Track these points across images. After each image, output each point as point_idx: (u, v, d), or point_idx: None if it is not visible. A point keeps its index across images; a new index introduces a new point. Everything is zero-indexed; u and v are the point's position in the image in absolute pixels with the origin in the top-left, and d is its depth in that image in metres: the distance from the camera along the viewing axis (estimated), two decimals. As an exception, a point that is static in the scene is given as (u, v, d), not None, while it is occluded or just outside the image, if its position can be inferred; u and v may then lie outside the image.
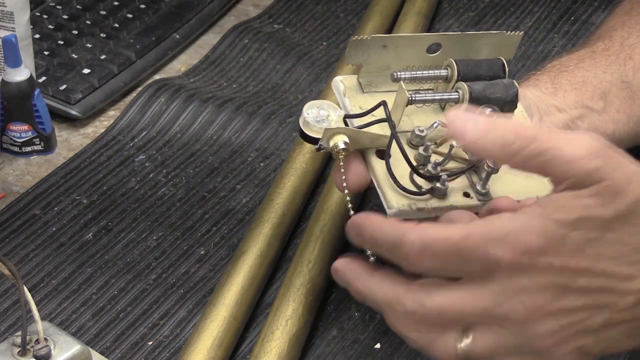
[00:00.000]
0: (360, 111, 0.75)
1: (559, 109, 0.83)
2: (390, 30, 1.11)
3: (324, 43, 1.13)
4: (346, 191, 0.72)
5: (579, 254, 0.63)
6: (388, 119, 0.72)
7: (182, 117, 0.99)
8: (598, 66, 0.88)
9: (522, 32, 0.77)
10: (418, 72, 0.75)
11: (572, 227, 0.62)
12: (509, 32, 0.77)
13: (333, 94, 1.00)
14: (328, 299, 0.81)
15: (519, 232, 0.62)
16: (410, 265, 0.64)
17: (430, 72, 0.75)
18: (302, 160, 0.89)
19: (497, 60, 0.77)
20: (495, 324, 0.64)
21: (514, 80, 0.76)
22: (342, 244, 0.84)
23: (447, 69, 0.76)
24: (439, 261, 0.63)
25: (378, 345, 0.77)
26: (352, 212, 0.71)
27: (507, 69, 0.76)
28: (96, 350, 0.75)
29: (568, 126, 0.83)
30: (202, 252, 0.85)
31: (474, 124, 0.65)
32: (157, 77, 1.07)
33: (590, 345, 0.64)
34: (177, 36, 1.11)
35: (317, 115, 0.73)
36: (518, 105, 0.77)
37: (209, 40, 1.13)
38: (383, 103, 0.73)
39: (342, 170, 0.72)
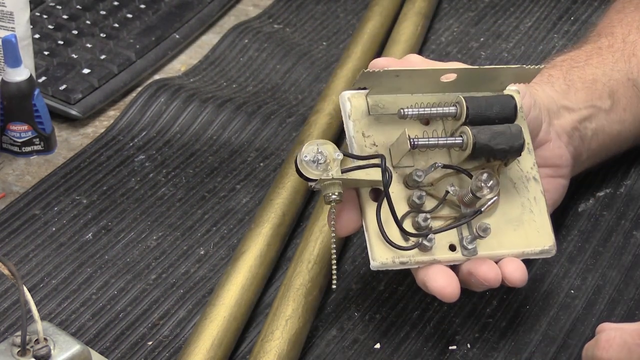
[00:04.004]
0: (363, 138, 0.74)
1: (568, 109, 0.83)
2: (390, 29, 1.11)
3: (324, 43, 1.13)
4: (333, 234, 0.72)
5: None
6: (384, 184, 0.71)
7: (182, 117, 0.99)
8: (606, 63, 0.88)
9: (542, 66, 0.74)
10: (426, 110, 0.73)
11: None
12: (529, 65, 0.74)
13: (333, 93, 1.00)
14: (328, 299, 0.81)
15: None
16: None
17: (438, 109, 0.74)
18: (302, 160, 0.89)
19: (510, 100, 0.74)
20: None
21: (522, 127, 0.74)
22: (342, 244, 0.84)
23: (455, 106, 0.74)
24: None
25: (378, 345, 0.77)
26: (334, 256, 0.72)
27: (518, 110, 0.75)
28: (96, 350, 0.75)
29: (576, 128, 0.83)
30: (202, 252, 0.85)
31: None
32: (157, 77, 1.07)
33: None
34: (177, 36, 1.11)
35: (316, 156, 0.71)
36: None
37: (209, 40, 1.13)
38: (381, 158, 0.72)
39: (333, 216, 0.72)
